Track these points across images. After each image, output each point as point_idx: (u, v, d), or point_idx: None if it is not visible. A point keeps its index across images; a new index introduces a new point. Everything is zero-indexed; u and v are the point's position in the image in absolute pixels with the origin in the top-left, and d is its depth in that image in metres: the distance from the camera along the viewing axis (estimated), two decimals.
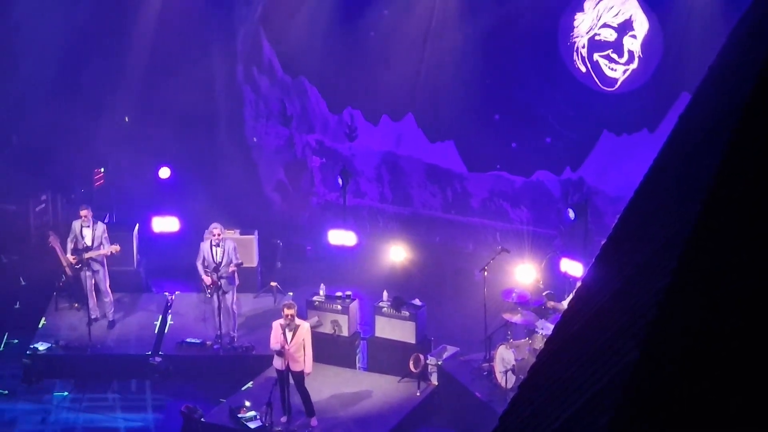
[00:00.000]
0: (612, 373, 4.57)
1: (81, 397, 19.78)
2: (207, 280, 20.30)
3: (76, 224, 21.09)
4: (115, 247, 21.17)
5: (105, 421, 19.22)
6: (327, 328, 19.98)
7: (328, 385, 19.44)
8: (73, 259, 20.98)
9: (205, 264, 20.32)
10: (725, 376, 4.30)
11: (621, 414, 4.13)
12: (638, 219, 7.41)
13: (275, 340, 17.72)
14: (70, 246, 21.03)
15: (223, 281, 20.28)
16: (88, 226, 20.97)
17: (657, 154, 8.41)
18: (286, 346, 17.61)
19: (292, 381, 17.95)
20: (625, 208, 7.92)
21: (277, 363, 17.93)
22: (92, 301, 21.07)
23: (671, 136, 8.61)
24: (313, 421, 18.16)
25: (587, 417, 4.48)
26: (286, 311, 17.68)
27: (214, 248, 20.39)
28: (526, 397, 6.01)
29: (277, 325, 17.79)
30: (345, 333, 20.01)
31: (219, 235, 20.36)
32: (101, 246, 20.97)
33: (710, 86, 8.95)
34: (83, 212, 21.02)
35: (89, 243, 20.93)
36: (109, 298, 21.31)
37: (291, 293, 22.13)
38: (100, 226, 21.14)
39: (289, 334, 17.67)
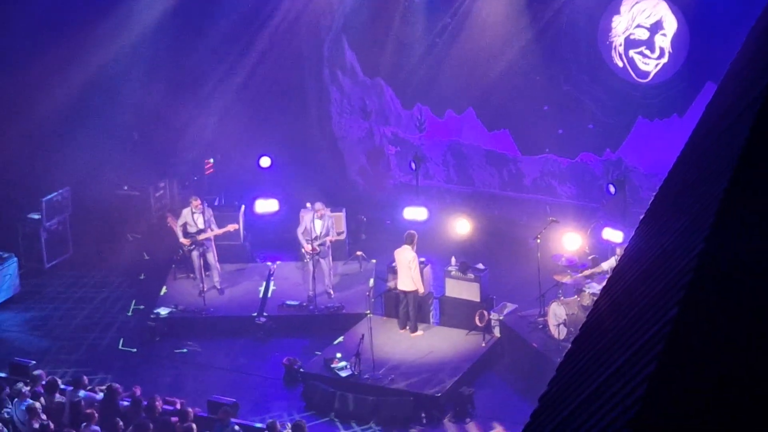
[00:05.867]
0: (655, 329, 4.54)
1: (199, 352, 19.97)
2: (307, 247, 20.45)
3: (186, 212, 21.13)
4: (234, 226, 21.39)
5: (218, 372, 19.38)
6: None
7: (406, 338, 19.50)
8: (187, 241, 21.10)
9: (306, 234, 20.52)
10: (755, 327, 4.25)
11: (664, 363, 4.10)
12: (674, 193, 7.33)
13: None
14: (180, 231, 21.12)
15: (321, 249, 20.45)
16: (200, 213, 21.09)
17: (688, 138, 8.33)
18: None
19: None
20: (662, 185, 7.85)
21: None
22: (201, 276, 21.14)
23: (700, 122, 8.51)
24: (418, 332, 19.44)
25: (634, 367, 4.45)
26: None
27: (316, 221, 20.55)
28: (579, 350, 5.98)
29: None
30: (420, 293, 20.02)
31: (320, 210, 20.54)
32: (210, 228, 21.12)
33: (732, 79, 8.84)
34: (194, 202, 21.07)
35: (201, 226, 21.05)
36: (217, 269, 21.46)
37: (374, 260, 22.15)
38: (208, 211, 21.26)
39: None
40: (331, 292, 20.94)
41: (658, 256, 5.85)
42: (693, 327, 4.32)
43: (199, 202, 21.13)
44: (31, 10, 24.00)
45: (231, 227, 21.36)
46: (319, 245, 20.47)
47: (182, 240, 21.06)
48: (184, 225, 21.04)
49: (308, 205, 21.40)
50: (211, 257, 21.26)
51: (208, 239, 21.15)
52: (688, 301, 4.47)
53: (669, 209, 6.99)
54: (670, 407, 3.85)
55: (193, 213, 21.03)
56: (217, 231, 21.14)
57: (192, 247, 21.06)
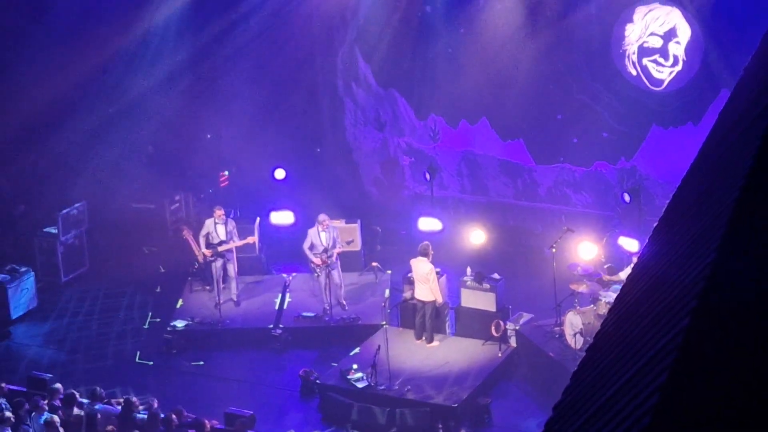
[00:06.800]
0: (667, 338, 4.50)
1: (214, 365, 19.95)
2: (317, 260, 20.42)
3: (209, 222, 21.17)
4: (253, 238, 21.43)
5: (235, 383, 19.36)
6: None
7: (422, 348, 19.46)
8: (209, 252, 21.08)
9: (314, 248, 20.49)
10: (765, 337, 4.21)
11: (676, 374, 4.06)
12: (687, 201, 7.28)
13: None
14: (203, 241, 21.15)
15: (330, 261, 20.43)
16: (222, 223, 21.10)
17: (701, 146, 8.28)
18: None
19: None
20: (675, 193, 7.80)
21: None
22: (218, 288, 21.17)
23: (713, 129, 8.46)
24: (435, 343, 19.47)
25: (647, 376, 4.42)
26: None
27: (321, 234, 20.54)
28: (593, 359, 5.94)
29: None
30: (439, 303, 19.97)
31: (325, 222, 20.54)
32: (232, 239, 21.12)
33: (746, 85, 8.79)
34: (218, 212, 21.10)
35: (223, 237, 21.05)
36: (236, 281, 21.45)
37: (389, 271, 22.13)
38: (231, 222, 21.27)
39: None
40: (344, 303, 20.89)
41: (671, 264, 5.81)
42: (705, 336, 4.28)
43: (222, 212, 21.13)
44: (48, 25, 24.10)
45: (250, 239, 21.40)
46: (329, 257, 20.44)
47: (203, 250, 21.06)
48: (207, 235, 21.04)
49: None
50: (232, 269, 21.26)
51: (229, 251, 21.14)
52: (700, 310, 4.43)
53: (682, 217, 6.95)
54: (682, 418, 3.81)
55: (216, 223, 21.04)
56: (238, 243, 21.16)
57: (213, 258, 21.06)
